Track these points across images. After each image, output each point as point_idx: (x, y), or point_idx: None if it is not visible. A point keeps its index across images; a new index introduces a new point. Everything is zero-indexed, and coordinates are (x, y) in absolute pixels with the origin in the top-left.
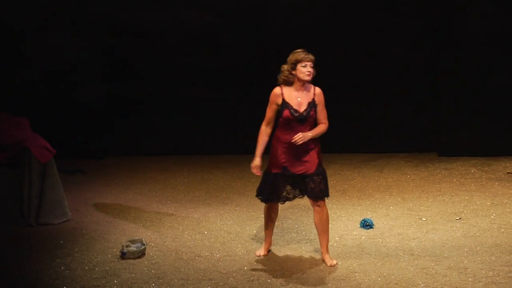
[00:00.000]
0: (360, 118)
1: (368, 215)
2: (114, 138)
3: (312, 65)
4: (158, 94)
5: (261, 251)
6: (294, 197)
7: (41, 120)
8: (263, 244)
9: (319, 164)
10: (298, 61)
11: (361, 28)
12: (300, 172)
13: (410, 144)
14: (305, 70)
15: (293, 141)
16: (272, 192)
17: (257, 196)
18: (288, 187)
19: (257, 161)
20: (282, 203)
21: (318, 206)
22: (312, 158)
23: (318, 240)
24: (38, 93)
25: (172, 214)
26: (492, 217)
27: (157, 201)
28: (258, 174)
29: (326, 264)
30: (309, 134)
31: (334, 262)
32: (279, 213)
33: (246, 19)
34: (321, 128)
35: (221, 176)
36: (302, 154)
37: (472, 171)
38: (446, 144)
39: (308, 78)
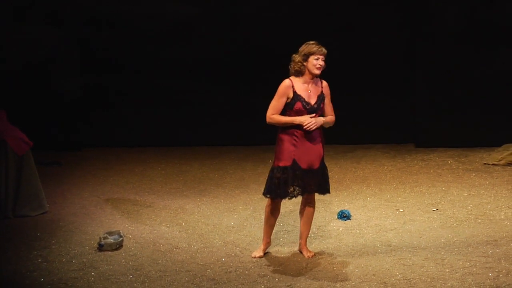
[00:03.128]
0: (337, 110)
1: (346, 207)
2: (91, 130)
3: (324, 59)
4: (135, 85)
5: (258, 252)
6: (298, 195)
7: (18, 112)
8: (261, 245)
9: (322, 160)
10: (311, 53)
11: (335, 20)
12: (306, 167)
13: (387, 136)
14: (316, 63)
15: (305, 127)
16: (280, 187)
17: (265, 194)
18: (295, 183)
19: (301, 117)
20: (289, 199)
21: (309, 198)
22: (318, 152)
23: (297, 231)
24: (15, 85)
25: (150, 205)
26: (469, 208)
27: (134, 193)
28: (313, 122)
29: (304, 256)
30: (322, 119)
31: (312, 253)
32: (253, 205)
33: (224, 11)
34: (332, 118)
35: (199, 168)
36: (310, 146)
37: (449, 162)
38: (423, 135)
39: (318, 72)
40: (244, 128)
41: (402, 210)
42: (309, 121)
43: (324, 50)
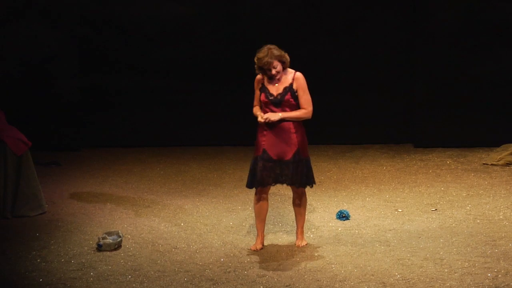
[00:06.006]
0: (336, 110)
1: (345, 207)
2: (90, 130)
3: (275, 66)
4: (134, 85)
5: (257, 245)
6: (272, 183)
7: (16, 112)
8: (257, 237)
9: (297, 152)
10: (261, 68)
11: (334, 20)
12: (276, 158)
13: (386, 135)
14: (269, 74)
15: (260, 120)
16: (253, 176)
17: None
18: (266, 172)
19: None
20: (263, 187)
21: (296, 192)
22: (291, 144)
23: (295, 227)
24: (13, 85)
25: (149, 206)
26: (468, 208)
27: (133, 193)
28: (264, 117)
29: (296, 245)
30: (279, 114)
31: (304, 243)
32: (252, 205)
33: (221, 11)
34: (299, 112)
35: (197, 168)
36: (281, 138)
37: (448, 162)
38: (422, 135)
39: (274, 78)
40: (243, 128)
41: (401, 210)
42: (261, 115)
43: (269, 60)
